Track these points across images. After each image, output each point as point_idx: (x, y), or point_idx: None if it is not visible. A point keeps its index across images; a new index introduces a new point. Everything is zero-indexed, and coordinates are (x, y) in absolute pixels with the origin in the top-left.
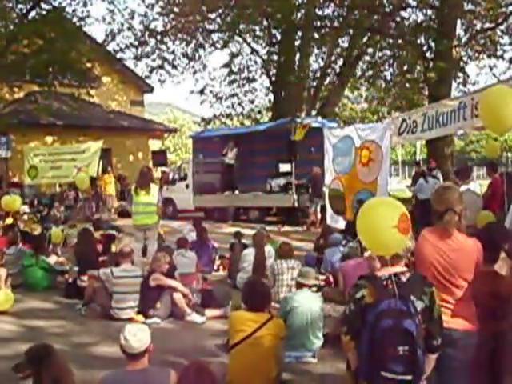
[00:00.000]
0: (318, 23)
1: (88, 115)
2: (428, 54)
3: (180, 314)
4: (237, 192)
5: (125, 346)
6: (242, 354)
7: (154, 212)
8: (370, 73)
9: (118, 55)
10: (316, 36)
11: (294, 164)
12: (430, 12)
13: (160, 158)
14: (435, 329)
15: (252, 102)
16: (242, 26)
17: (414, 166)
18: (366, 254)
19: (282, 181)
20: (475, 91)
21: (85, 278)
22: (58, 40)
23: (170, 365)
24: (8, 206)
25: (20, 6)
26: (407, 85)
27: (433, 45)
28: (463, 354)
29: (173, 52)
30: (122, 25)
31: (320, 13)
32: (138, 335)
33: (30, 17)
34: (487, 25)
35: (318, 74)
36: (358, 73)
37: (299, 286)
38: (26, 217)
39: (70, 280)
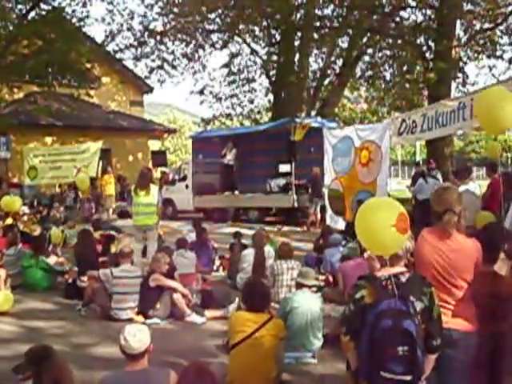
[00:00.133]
0: (318, 23)
1: (87, 116)
2: (427, 55)
3: (180, 314)
4: (236, 192)
5: (124, 346)
6: (241, 354)
7: (154, 212)
8: (370, 73)
9: (118, 55)
10: (316, 36)
11: (293, 164)
12: (429, 12)
13: (160, 158)
14: (435, 329)
15: (252, 102)
16: (241, 27)
17: (413, 167)
18: (366, 254)
19: (281, 181)
20: (475, 91)
21: (84, 278)
22: (58, 40)
23: (170, 365)
24: (8, 206)
25: (19, 6)
26: (407, 85)
27: (432, 45)
28: (463, 355)
29: (172, 52)
30: (122, 25)
31: (319, 13)
32: (137, 336)
33: (29, 17)
34: (486, 25)
35: (318, 75)
36: (358, 73)
37: (299, 286)
38: (25, 217)
39: (70, 280)
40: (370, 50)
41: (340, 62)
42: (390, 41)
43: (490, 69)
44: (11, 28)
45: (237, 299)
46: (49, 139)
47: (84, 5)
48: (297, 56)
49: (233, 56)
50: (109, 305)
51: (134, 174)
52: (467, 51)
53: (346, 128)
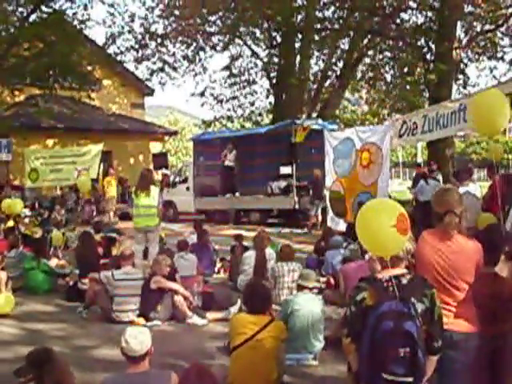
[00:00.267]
0: (319, 25)
1: (89, 118)
2: (428, 56)
3: (181, 316)
4: (238, 194)
5: (126, 348)
6: (242, 356)
7: (155, 214)
8: (371, 75)
9: (119, 58)
10: (316, 38)
11: (294, 166)
12: (430, 14)
13: (161, 160)
14: (436, 331)
15: (252, 104)
16: (242, 29)
17: (414, 168)
18: (367, 256)
19: (282, 183)
20: (475, 93)
21: (86, 280)
22: (59, 43)
23: (171, 367)
24: (9, 208)
25: (21, 9)
26: (407, 87)
27: (433, 47)
28: (464, 356)
29: (173, 54)
30: (123, 28)
31: (320, 15)
32: (138, 338)
33: (30, 20)
34: (487, 27)
35: (319, 77)
36: (359, 75)
37: (300, 288)
38: (26, 220)
39: (71, 283)
40: (370, 52)
41: (341, 64)
42: (391, 42)
43: (491, 70)
44: (12, 30)
45: (239, 301)
46: (50, 142)
47: (85, 7)
48: (297, 58)
49: (233, 58)
50: (110, 307)
51: (135, 176)
52: (468, 53)
53: (347, 130)
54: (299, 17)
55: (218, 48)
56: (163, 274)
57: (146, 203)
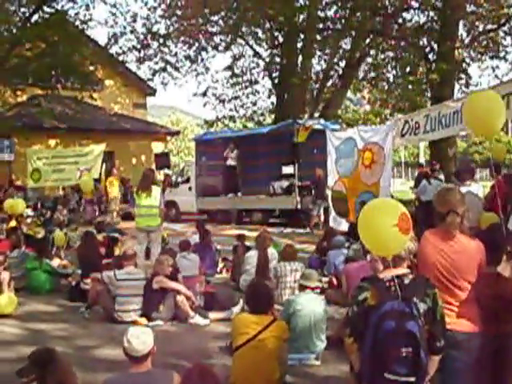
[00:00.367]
0: (321, 25)
1: (91, 118)
2: (430, 56)
3: (183, 316)
4: (240, 194)
5: (128, 348)
6: (245, 356)
7: (157, 214)
8: (373, 74)
9: (121, 58)
10: (318, 38)
11: (296, 166)
12: (432, 13)
13: (163, 160)
14: (438, 330)
15: (254, 104)
16: (244, 29)
17: (416, 168)
18: (369, 256)
19: (284, 183)
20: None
21: (88, 280)
22: (61, 43)
23: (173, 367)
24: (11, 209)
25: (23, 9)
26: (410, 86)
27: (435, 46)
28: (466, 356)
29: (175, 55)
30: (125, 28)
31: (322, 15)
32: (141, 338)
33: (32, 20)
34: (490, 26)
35: (321, 76)
36: (361, 75)
37: (302, 288)
38: (29, 220)
39: (74, 283)
40: (372, 52)
41: (343, 64)
42: (393, 42)
43: (493, 70)
44: (14, 31)
45: (241, 301)
46: (52, 142)
47: (87, 8)
48: (300, 58)
49: (236, 58)
50: (112, 307)
51: (137, 176)
52: (470, 52)
53: (349, 130)
54: (301, 17)
55: (220, 48)
56: (165, 273)
57: (148, 203)
